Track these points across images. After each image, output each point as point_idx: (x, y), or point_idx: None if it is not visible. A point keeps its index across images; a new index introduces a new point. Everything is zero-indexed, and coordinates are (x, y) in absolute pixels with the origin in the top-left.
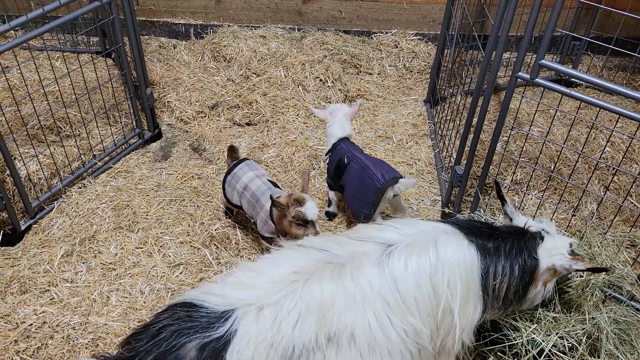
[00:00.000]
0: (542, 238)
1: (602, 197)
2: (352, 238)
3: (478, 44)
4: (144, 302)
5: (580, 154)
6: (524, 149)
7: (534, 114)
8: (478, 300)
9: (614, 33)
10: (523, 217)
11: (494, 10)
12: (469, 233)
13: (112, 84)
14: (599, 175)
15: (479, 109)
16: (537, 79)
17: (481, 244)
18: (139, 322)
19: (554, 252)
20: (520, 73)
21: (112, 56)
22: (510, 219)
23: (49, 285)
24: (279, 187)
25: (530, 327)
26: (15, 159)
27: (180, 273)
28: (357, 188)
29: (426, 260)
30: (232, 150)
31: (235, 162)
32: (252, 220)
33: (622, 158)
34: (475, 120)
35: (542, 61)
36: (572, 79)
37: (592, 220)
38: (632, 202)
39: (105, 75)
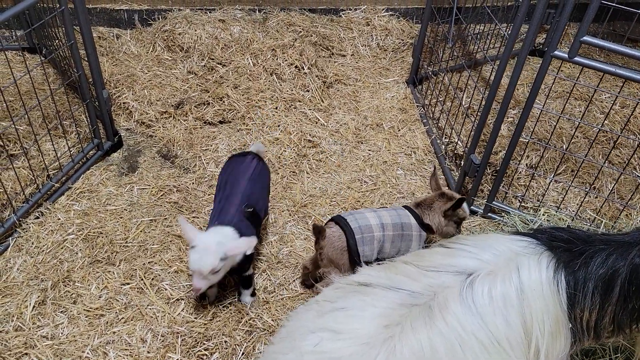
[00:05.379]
0: None
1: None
2: (422, 268)
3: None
4: (149, 353)
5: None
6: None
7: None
8: (569, 332)
9: None
10: None
11: None
12: (554, 249)
13: (65, 89)
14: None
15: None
16: (576, 58)
17: (567, 262)
18: None
19: None
20: (557, 52)
21: (44, 52)
22: None
23: (26, 347)
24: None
25: None
26: None
27: (183, 310)
28: None
29: (511, 291)
30: (319, 231)
31: (342, 226)
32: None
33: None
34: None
35: (585, 38)
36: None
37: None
38: None
39: (40, 77)
